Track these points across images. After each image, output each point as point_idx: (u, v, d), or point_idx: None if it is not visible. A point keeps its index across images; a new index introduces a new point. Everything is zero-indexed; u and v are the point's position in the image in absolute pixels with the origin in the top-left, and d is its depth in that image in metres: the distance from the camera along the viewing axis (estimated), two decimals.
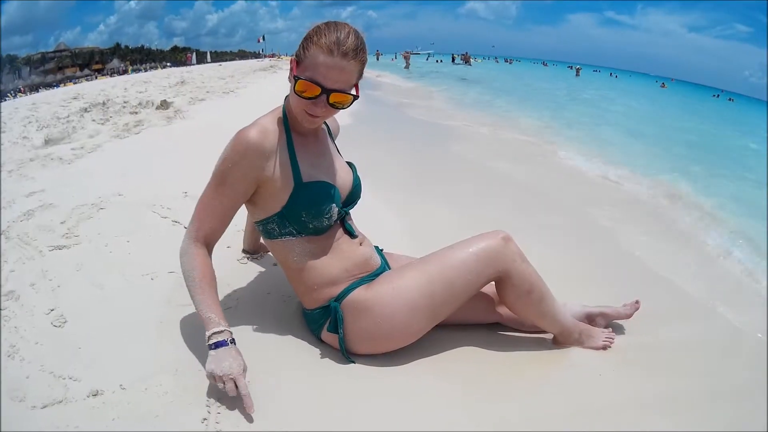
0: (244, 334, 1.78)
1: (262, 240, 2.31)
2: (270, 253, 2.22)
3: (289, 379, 1.59)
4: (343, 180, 1.71)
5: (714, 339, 2.08)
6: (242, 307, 1.98)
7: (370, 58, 1.63)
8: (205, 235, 1.57)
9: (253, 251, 2.37)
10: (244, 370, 1.43)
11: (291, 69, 1.52)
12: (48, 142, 4.97)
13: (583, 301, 2.01)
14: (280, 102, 1.67)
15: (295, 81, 1.45)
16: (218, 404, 1.45)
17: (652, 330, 2.02)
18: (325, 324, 1.68)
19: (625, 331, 1.96)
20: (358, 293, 1.63)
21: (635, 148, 7.66)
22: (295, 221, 1.58)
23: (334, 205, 1.61)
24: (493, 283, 1.69)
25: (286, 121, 1.60)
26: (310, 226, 1.59)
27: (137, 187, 3.20)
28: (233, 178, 1.53)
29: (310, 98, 1.46)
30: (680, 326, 2.13)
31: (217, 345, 1.43)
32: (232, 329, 1.51)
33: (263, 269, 2.30)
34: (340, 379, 1.61)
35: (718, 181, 5.75)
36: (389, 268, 1.84)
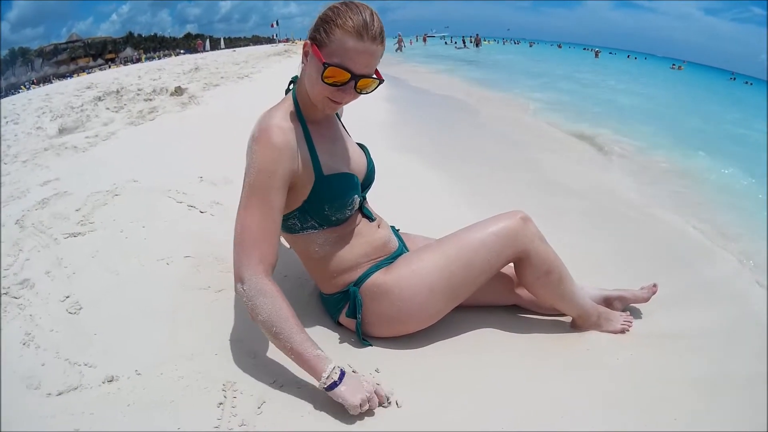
0: None
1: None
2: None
3: None
4: (358, 165, 1.70)
5: (733, 324, 2.03)
6: None
7: None
8: (270, 262, 1.45)
9: None
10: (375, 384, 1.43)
11: (307, 54, 1.45)
12: (62, 131, 5.04)
13: (600, 284, 1.99)
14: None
15: (324, 68, 1.37)
16: (234, 389, 1.46)
17: (670, 314, 2.00)
18: (343, 308, 1.69)
19: (643, 315, 1.95)
20: (377, 277, 1.63)
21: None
22: (317, 215, 1.56)
23: (356, 195, 1.60)
24: (512, 264, 1.69)
25: (299, 112, 1.54)
26: (333, 218, 1.58)
27: (152, 173, 3.22)
28: (277, 188, 1.43)
29: (338, 85, 1.41)
30: (699, 310, 2.09)
31: (342, 377, 1.36)
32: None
33: (279, 252, 2.27)
34: (359, 362, 1.61)
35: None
36: (407, 250, 1.84)
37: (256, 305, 1.38)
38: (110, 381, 1.50)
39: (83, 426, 1.37)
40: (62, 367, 1.58)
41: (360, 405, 1.32)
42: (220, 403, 1.40)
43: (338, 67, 1.37)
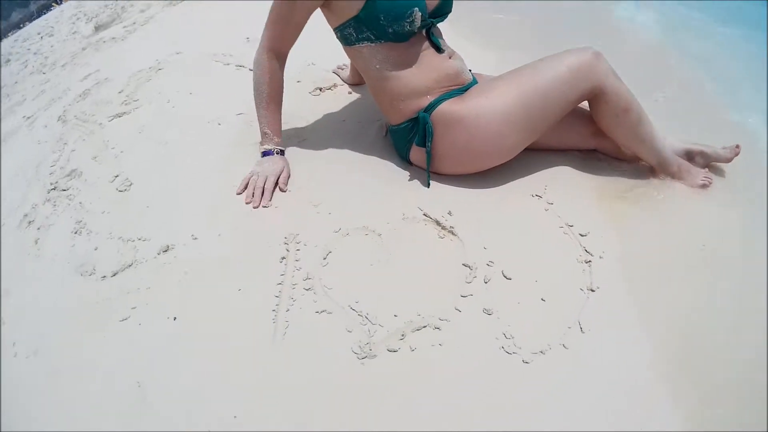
0: (321, 161, 1.90)
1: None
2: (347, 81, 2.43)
3: (377, 197, 1.69)
4: None
5: None
6: (317, 137, 2.05)
7: None
8: (279, 45, 1.74)
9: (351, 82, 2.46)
10: (281, 172, 1.76)
11: None
12: (98, 28, 5.08)
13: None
14: None
15: None
16: (297, 241, 1.50)
17: (752, 178, 1.90)
18: (413, 140, 1.77)
19: (725, 176, 1.89)
20: (450, 104, 1.70)
21: None
22: (372, 25, 1.63)
23: (416, 9, 1.61)
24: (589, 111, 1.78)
25: None
26: (389, 30, 1.62)
27: (195, 43, 3.20)
28: None
29: None
30: None
31: (264, 154, 1.81)
32: (312, 152, 1.76)
33: (337, 100, 2.30)
34: (429, 203, 1.66)
35: None
36: None
37: (253, 72, 1.79)
38: (165, 251, 1.55)
39: (139, 303, 1.43)
40: (115, 247, 1.64)
41: (251, 173, 1.75)
42: (283, 258, 1.47)
43: None
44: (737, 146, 1.90)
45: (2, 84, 4.36)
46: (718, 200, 1.74)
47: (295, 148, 1.96)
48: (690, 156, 1.91)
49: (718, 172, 1.88)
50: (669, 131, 1.87)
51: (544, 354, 1.24)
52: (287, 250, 1.48)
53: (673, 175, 1.83)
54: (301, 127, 2.10)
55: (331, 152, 1.93)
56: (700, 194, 1.77)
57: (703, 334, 1.29)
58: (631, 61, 2.22)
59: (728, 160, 1.90)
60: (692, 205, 1.71)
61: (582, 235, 1.53)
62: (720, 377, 1.20)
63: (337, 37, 1.77)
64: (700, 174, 1.84)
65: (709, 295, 1.39)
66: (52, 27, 7.32)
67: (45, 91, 3.47)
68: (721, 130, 2.09)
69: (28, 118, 3.00)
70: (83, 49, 4.38)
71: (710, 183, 1.83)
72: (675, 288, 1.40)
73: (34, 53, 5.16)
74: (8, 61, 5.19)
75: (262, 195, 1.70)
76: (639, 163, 1.88)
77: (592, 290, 1.36)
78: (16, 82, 4.17)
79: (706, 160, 1.92)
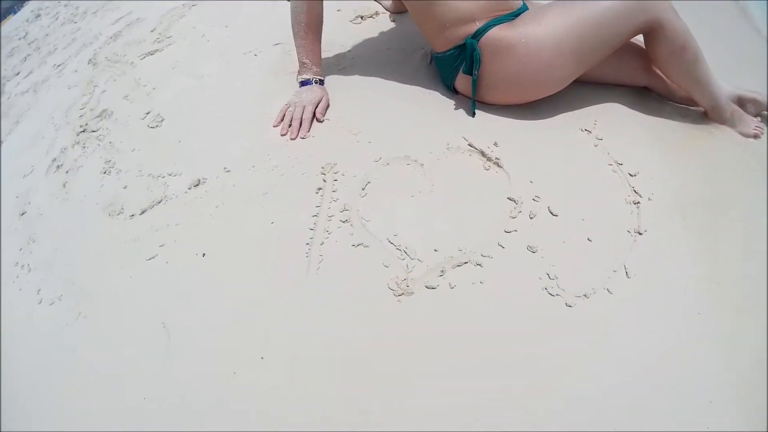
0: (361, 90, 1.84)
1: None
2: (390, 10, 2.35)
3: (420, 126, 1.63)
4: None
5: None
6: (358, 65, 1.98)
7: None
8: None
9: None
10: (320, 102, 1.72)
11: None
12: None
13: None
14: None
15: None
16: (334, 171, 1.47)
17: None
18: (459, 67, 1.72)
19: None
20: (499, 30, 1.64)
21: None
22: None
23: None
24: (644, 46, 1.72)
25: None
26: None
27: None
28: None
29: None
30: None
31: (302, 84, 1.77)
32: (352, 80, 1.71)
33: (379, 28, 2.24)
34: (475, 133, 1.60)
35: None
36: None
37: (291, 3, 1.71)
38: (196, 185, 1.53)
39: (168, 240, 1.42)
40: (145, 184, 1.63)
41: (288, 103, 1.73)
42: (319, 189, 1.45)
43: None
44: None
45: (33, 38, 4.38)
46: None
47: (334, 76, 1.92)
48: (742, 103, 1.84)
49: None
50: (719, 77, 1.77)
51: (587, 298, 1.18)
52: (324, 181, 1.46)
53: (725, 122, 1.77)
54: (341, 56, 2.06)
55: (372, 80, 1.88)
56: (752, 143, 1.69)
57: (752, 286, 1.23)
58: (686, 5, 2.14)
59: None
60: (746, 154, 1.63)
61: (631, 175, 1.45)
62: None
63: None
64: (752, 123, 1.78)
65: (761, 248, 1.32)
66: None
67: (76, 39, 3.48)
68: None
69: (59, 65, 3.00)
70: None
71: (762, 133, 1.77)
72: (725, 237, 1.33)
73: (65, 5, 5.13)
74: (38, 16, 5.19)
75: (300, 126, 1.67)
76: (691, 105, 1.80)
77: (640, 233, 1.30)
78: (47, 35, 4.15)
79: (757, 109, 1.85)
